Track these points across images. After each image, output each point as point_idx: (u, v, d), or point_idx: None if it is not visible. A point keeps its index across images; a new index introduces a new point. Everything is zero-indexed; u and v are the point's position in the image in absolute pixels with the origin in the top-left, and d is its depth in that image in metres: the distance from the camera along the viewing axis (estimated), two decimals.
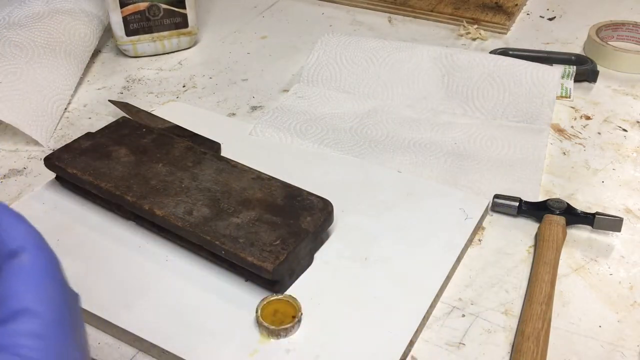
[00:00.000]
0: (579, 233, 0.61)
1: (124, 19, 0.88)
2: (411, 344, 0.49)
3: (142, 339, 0.49)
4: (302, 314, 0.49)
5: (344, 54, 0.83)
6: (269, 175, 0.60)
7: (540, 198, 0.64)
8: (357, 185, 0.64)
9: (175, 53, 0.94)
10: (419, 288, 0.53)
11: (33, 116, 0.73)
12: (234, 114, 0.79)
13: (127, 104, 0.78)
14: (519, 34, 0.98)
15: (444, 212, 0.61)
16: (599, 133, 0.75)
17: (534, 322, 0.49)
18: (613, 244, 0.60)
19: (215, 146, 0.69)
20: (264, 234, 0.52)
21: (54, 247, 0.33)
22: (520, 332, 0.49)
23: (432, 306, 0.52)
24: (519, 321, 0.51)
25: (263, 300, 0.50)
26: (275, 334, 0.48)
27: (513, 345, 0.49)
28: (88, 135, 0.65)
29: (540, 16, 1.04)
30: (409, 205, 0.62)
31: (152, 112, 0.76)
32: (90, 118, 0.78)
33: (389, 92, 0.80)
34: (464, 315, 0.52)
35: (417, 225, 0.59)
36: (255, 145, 0.71)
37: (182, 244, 0.56)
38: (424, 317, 0.51)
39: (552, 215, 0.60)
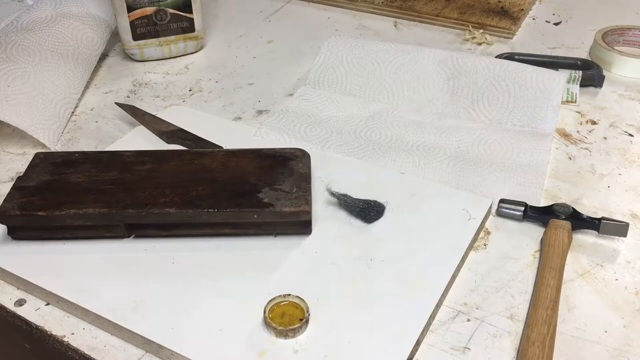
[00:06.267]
0: (585, 238, 0.60)
1: (131, 23, 0.88)
2: (417, 343, 0.49)
3: (150, 340, 0.49)
4: (309, 314, 0.50)
5: (350, 56, 0.83)
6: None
7: (543, 202, 0.64)
8: (360, 187, 0.64)
9: (182, 57, 0.94)
10: (425, 288, 0.53)
11: (40, 119, 0.74)
12: (239, 118, 0.79)
13: (133, 107, 0.78)
14: (524, 38, 0.98)
15: (448, 212, 0.61)
16: (605, 138, 0.75)
17: (539, 327, 0.49)
18: (619, 249, 0.59)
19: (217, 149, 0.69)
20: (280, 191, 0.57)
21: None
22: (525, 337, 0.49)
23: (437, 306, 0.52)
24: (524, 326, 0.51)
25: (271, 301, 0.51)
26: (284, 334, 0.49)
27: (518, 350, 0.49)
28: (20, 179, 0.60)
29: (546, 21, 1.04)
30: (412, 206, 0.62)
31: (157, 116, 0.76)
32: (97, 122, 0.79)
33: (394, 95, 0.80)
34: (469, 320, 0.52)
35: (421, 226, 0.60)
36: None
37: (194, 233, 0.58)
38: (430, 316, 0.51)
39: (557, 220, 0.60)
